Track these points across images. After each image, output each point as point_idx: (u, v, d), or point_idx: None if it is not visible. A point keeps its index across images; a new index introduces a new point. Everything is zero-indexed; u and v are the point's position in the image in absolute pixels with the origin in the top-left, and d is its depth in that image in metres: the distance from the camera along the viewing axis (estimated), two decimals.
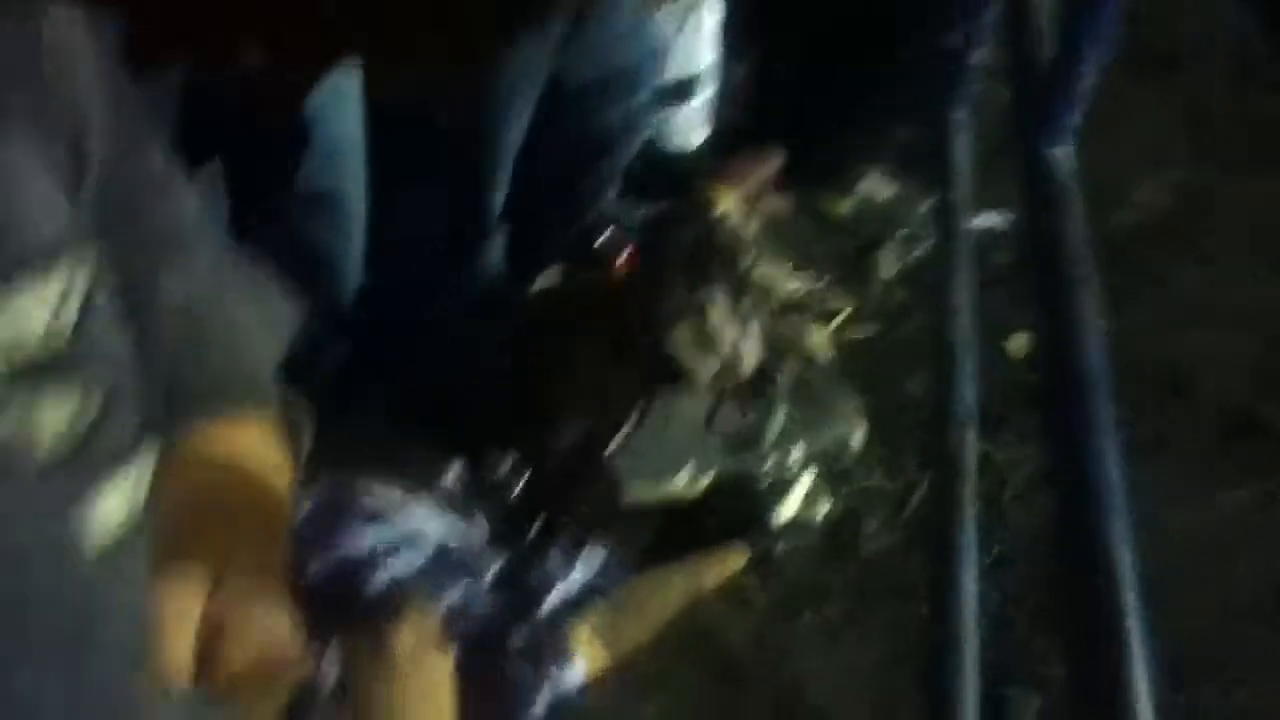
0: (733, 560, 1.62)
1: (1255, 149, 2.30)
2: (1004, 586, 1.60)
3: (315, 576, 1.29)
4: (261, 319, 0.66)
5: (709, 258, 1.70)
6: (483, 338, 1.68)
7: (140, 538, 0.48)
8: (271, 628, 0.57)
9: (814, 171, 2.19)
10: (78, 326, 0.45)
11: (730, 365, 1.67)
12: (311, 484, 1.40)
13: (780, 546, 1.66)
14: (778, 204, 2.05)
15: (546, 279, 1.82)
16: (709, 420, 1.65)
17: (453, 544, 1.45)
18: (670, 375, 1.63)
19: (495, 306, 1.75)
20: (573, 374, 1.60)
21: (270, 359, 0.65)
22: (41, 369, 0.43)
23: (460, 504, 1.51)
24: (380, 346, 1.67)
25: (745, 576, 1.67)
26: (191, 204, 0.63)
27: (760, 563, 1.67)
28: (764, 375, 1.69)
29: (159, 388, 0.53)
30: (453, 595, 1.35)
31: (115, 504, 0.46)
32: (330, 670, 1.21)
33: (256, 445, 0.62)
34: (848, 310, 2.01)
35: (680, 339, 1.64)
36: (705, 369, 1.65)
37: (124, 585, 0.45)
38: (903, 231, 2.16)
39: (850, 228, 2.17)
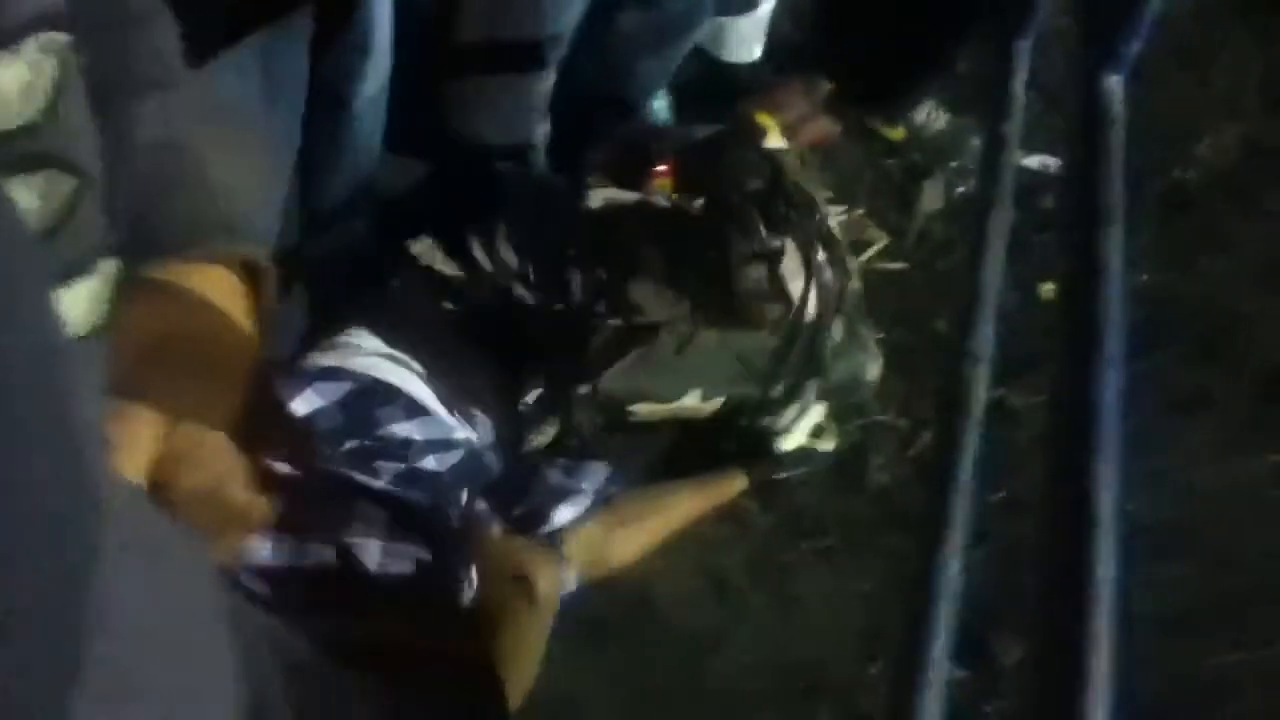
0: (734, 484, 1.61)
1: None
2: (1010, 529, 1.58)
3: (345, 459, 1.31)
4: (239, 164, 0.64)
5: (783, 206, 1.66)
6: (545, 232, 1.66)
7: (97, 358, 0.46)
8: (223, 473, 0.57)
9: (868, 95, 2.13)
10: (49, 110, 0.43)
11: (793, 312, 1.64)
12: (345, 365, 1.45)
13: (784, 474, 1.64)
14: (829, 128, 1.99)
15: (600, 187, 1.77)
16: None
17: (483, 448, 1.46)
18: (729, 311, 1.60)
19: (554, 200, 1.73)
20: (625, 287, 1.57)
21: (246, 204, 0.64)
22: (8, 149, 0.41)
23: (490, 407, 1.51)
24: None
25: (748, 500, 1.67)
26: (172, 42, 0.61)
27: (763, 488, 1.66)
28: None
29: (125, 216, 0.51)
30: (479, 500, 1.36)
31: (75, 314, 0.45)
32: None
33: (224, 288, 0.61)
34: (884, 241, 1.97)
35: (748, 282, 1.60)
36: (769, 314, 1.62)
37: (91, 382, 0.44)
38: (953, 164, 2.11)
39: (899, 156, 2.11)
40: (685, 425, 1.68)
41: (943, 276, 1.84)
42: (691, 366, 1.60)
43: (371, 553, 1.17)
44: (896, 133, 2.13)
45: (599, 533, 1.42)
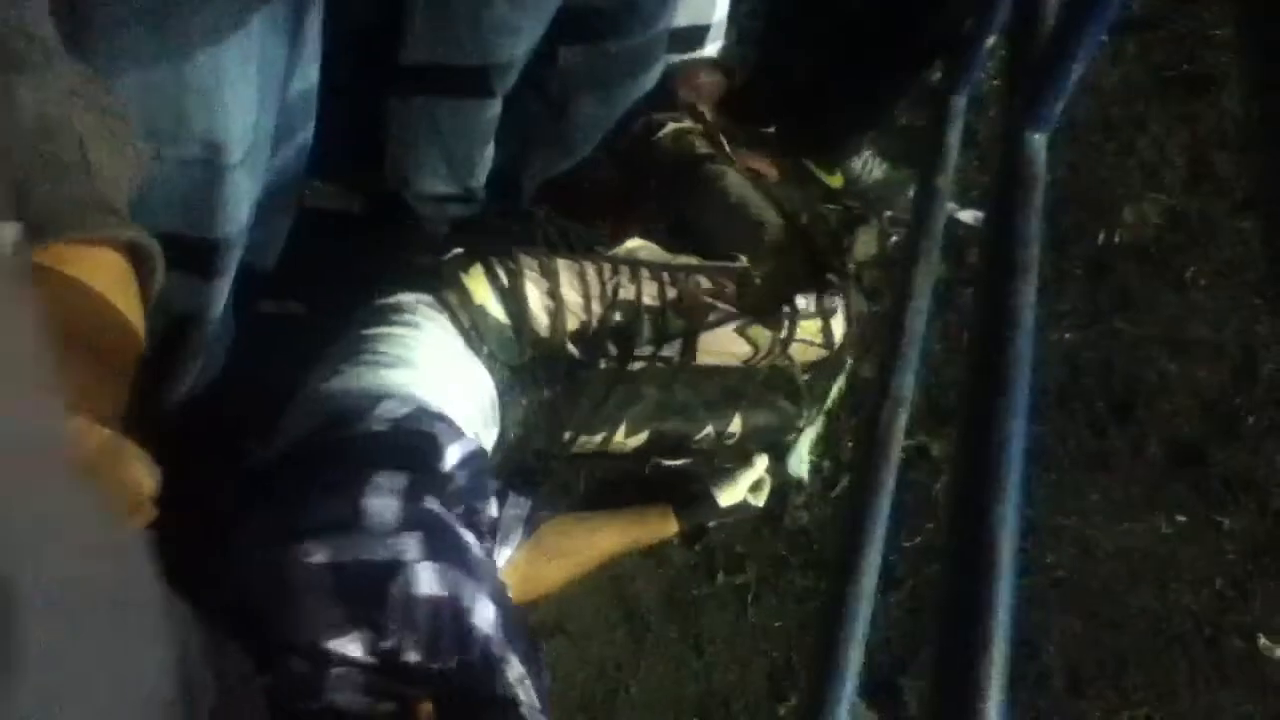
0: (664, 527, 1.60)
1: (1254, 186, 2.29)
2: (924, 574, 1.60)
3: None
4: (120, 147, 0.63)
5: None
6: None
7: None
8: (124, 466, 0.55)
9: (808, 141, 2.16)
10: None
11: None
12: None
13: (714, 523, 1.65)
14: (767, 168, 2.02)
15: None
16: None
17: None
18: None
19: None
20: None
21: (123, 187, 0.63)
22: None
23: None
24: None
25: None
26: (46, 23, 0.61)
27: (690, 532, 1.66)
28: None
29: (10, 193, 0.50)
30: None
31: None
32: None
33: (110, 271, 0.60)
34: None
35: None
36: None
37: None
38: (888, 213, 2.14)
39: (837, 203, 2.15)
40: (619, 462, 1.68)
41: (873, 323, 1.87)
42: (616, 400, 1.61)
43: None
44: (835, 179, 2.17)
45: (524, 563, 1.40)
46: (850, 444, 1.75)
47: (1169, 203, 2.23)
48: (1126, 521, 1.80)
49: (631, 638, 1.57)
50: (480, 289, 1.47)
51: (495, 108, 1.67)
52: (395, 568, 1.05)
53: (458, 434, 1.27)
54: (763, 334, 1.60)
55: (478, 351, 1.43)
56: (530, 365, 1.50)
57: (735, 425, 1.66)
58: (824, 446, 1.77)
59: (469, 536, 1.17)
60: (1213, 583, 1.76)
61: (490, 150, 1.74)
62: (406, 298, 1.44)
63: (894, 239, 2.08)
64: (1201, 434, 1.92)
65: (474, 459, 1.25)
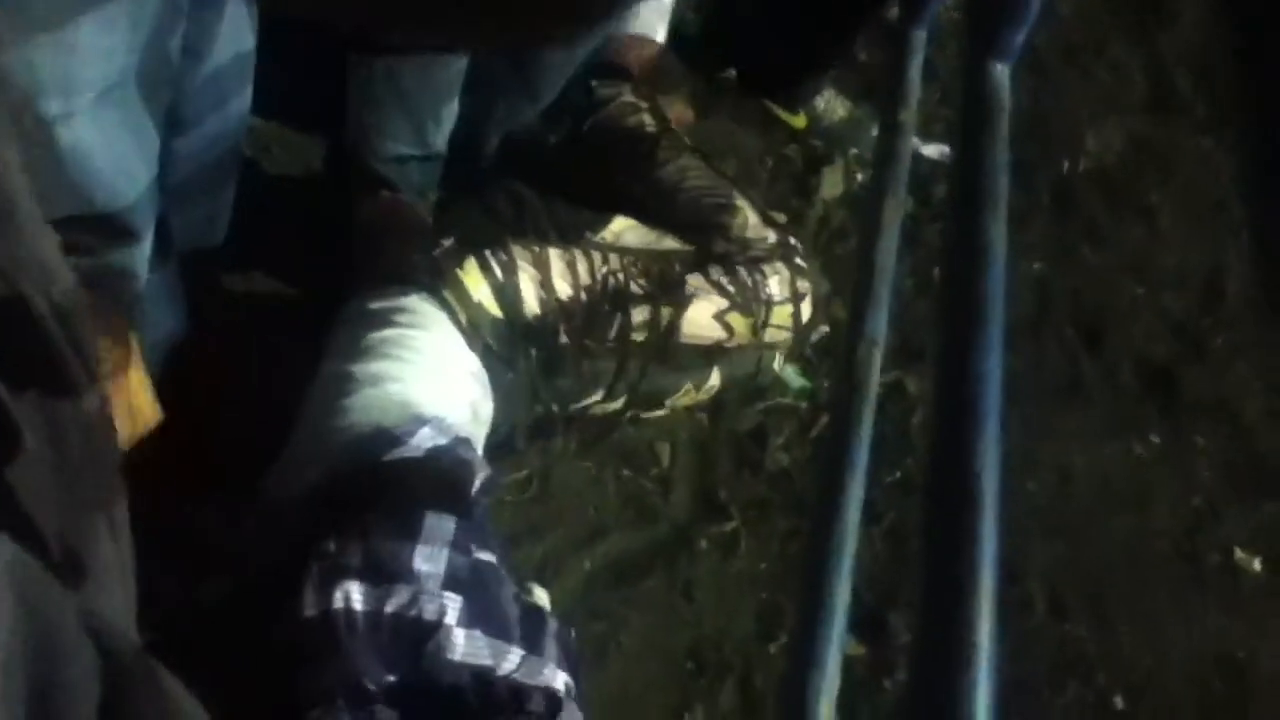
0: None
1: (1215, 107, 2.29)
2: (904, 509, 1.62)
3: None
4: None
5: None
6: None
7: None
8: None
9: (769, 83, 2.15)
10: None
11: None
12: None
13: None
14: (684, 113, 2.00)
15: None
16: None
17: None
18: None
19: None
20: None
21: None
22: None
23: None
24: None
25: (650, 485, 1.68)
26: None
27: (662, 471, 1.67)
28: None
29: None
30: None
31: None
32: None
33: None
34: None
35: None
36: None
37: None
38: (853, 152, 2.14)
39: (800, 144, 2.14)
40: None
41: (841, 262, 1.87)
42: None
43: None
44: (798, 120, 2.16)
45: None
46: (826, 384, 1.76)
47: (1131, 127, 2.23)
48: (1102, 446, 1.83)
49: (619, 590, 1.58)
50: (476, 284, 1.46)
51: (460, 63, 1.64)
52: (434, 628, 1.06)
53: (479, 460, 1.26)
54: (740, 320, 1.62)
55: (475, 348, 1.43)
56: (509, 347, 1.49)
57: (714, 379, 1.67)
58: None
59: (506, 590, 1.16)
60: (1189, 501, 1.79)
61: (455, 107, 1.72)
62: (404, 299, 1.42)
63: (860, 177, 2.08)
64: (1171, 356, 1.94)
65: (489, 483, 1.25)
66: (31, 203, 0.46)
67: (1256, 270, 2.06)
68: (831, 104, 2.17)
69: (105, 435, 0.52)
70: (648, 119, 1.80)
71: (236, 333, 1.55)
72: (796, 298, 1.65)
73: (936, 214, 1.95)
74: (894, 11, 1.92)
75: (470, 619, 1.08)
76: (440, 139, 1.71)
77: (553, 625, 1.13)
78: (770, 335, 1.66)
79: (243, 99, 1.35)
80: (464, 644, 1.07)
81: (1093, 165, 2.18)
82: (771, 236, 1.69)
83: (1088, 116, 2.21)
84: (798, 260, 1.68)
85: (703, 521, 1.66)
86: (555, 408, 1.54)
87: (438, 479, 1.18)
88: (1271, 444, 1.86)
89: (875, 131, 2.11)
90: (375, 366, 1.29)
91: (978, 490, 0.70)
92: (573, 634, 1.17)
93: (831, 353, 1.76)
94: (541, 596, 1.35)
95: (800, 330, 1.68)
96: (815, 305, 1.68)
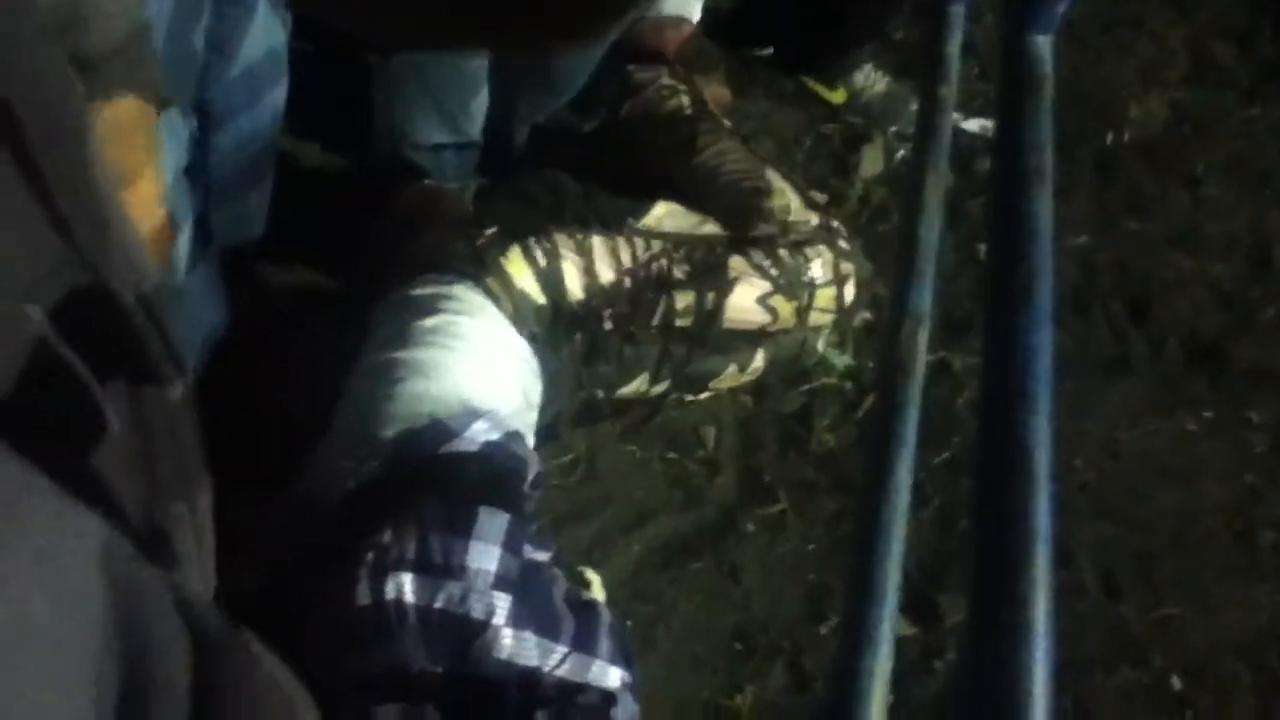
0: None
1: (1257, 77, 2.25)
2: (953, 489, 1.61)
3: None
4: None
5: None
6: None
7: None
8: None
9: (806, 60, 2.13)
10: None
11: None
12: None
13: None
14: (720, 93, 1.99)
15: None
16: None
17: None
18: None
19: None
20: None
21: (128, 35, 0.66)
22: None
23: None
24: None
25: (695, 467, 1.68)
26: None
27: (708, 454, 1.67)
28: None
29: None
30: None
31: None
32: None
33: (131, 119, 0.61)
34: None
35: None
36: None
37: None
38: (892, 129, 2.12)
39: (839, 121, 2.12)
40: None
41: (883, 240, 1.86)
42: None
43: None
44: (836, 95, 2.14)
45: None
46: (871, 364, 1.75)
47: (1174, 97, 2.19)
48: (1151, 422, 1.80)
49: (667, 572, 1.59)
50: (520, 272, 1.46)
51: (481, 55, 1.64)
52: (482, 627, 1.06)
53: (532, 455, 1.26)
54: (784, 304, 1.61)
55: (522, 334, 1.42)
56: (553, 335, 1.49)
57: (758, 361, 1.66)
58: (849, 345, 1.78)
59: (557, 589, 1.16)
60: (1240, 477, 1.77)
61: (484, 98, 1.72)
62: (449, 287, 1.41)
63: (900, 154, 2.06)
64: (1220, 329, 1.91)
65: (540, 478, 1.25)
66: (116, 201, 0.47)
67: None
68: (871, 79, 2.15)
69: (189, 425, 0.53)
70: (685, 101, 1.80)
71: (277, 325, 1.56)
72: (840, 280, 1.64)
73: (978, 189, 1.93)
74: None
75: (519, 619, 1.08)
76: (472, 127, 1.72)
77: (605, 620, 1.13)
78: (814, 319, 1.65)
79: (276, 94, 1.37)
80: (511, 644, 1.07)
81: (1136, 136, 2.15)
82: (813, 219, 1.68)
83: (1129, 88, 2.18)
84: (840, 243, 1.66)
85: (749, 503, 1.66)
86: (600, 393, 1.54)
87: (492, 475, 1.18)
88: None
89: (914, 108, 2.10)
90: (424, 355, 1.29)
91: (1029, 465, 0.69)
92: (627, 625, 1.17)
93: (876, 332, 1.75)
94: (594, 580, 1.35)
95: (844, 313, 1.67)
96: (859, 287, 1.67)
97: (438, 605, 1.06)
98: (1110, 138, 2.13)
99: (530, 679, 1.06)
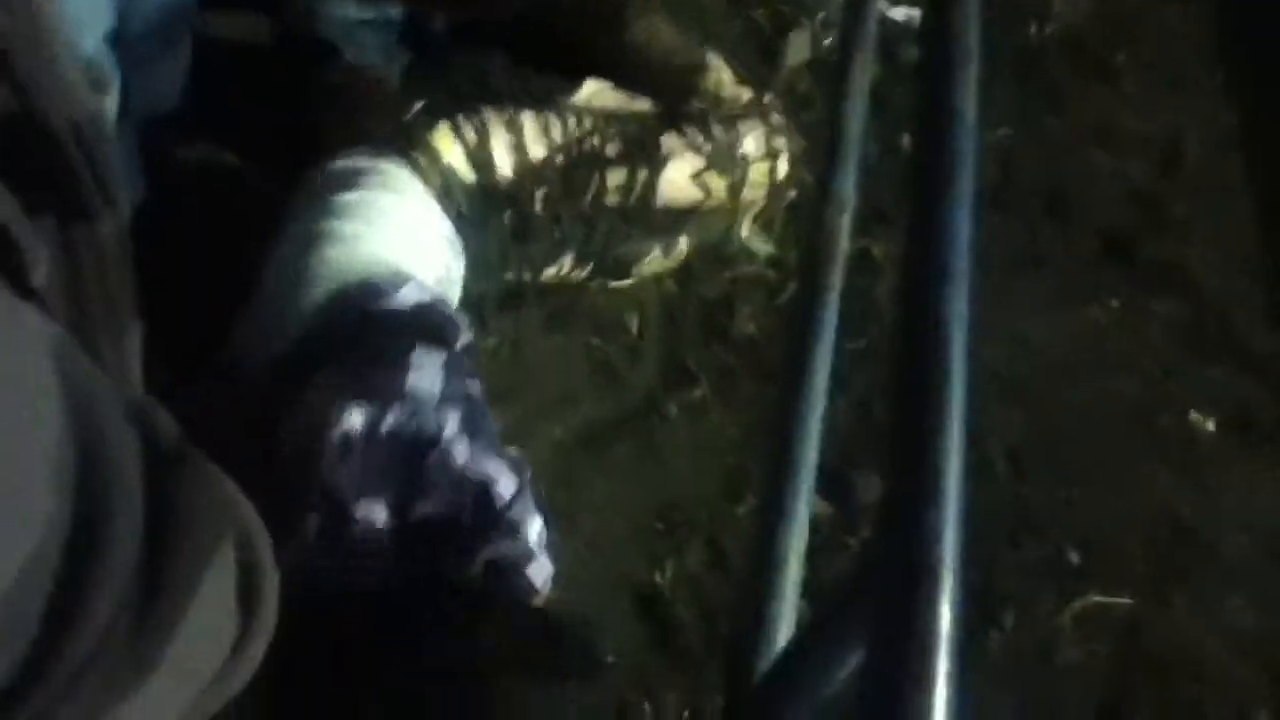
0: None
1: None
2: (871, 376, 1.65)
3: None
4: None
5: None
6: None
7: None
8: None
9: None
10: None
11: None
12: None
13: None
14: None
15: None
16: None
17: None
18: None
19: None
20: None
21: None
22: None
23: None
24: None
25: (616, 353, 1.69)
26: None
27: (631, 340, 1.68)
28: None
29: None
30: None
31: None
32: None
33: None
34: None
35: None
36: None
37: None
38: (820, 16, 2.11)
39: (766, 7, 2.10)
40: None
41: (808, 128, 1.86)
42: None
43: None
44: None
45: None
46: (793, 251, 1.77)
47: None
48: (1060, 313, 1.85)
49: (588, 455, 1.61)
50: (448, 148, 1.42)
51: None
52: (434, 440, 1.05)
53: (462, 317, 1.24)
54: (717, 180, 1.60)
55: (449, 212, 1.40)
56: (482, 213, 1.47)
57: (682, 245, 1.67)
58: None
59: (493, 424, 1.16)
60: (1145, 366, 1.83)
61: None
62: (372, 161, 1.37)
63: (827, 42, 2.05)
64: (1131, 223, 1.96)
65: (474, 346, 1.24)
66: (64, 31, 0.45)
67: (1217, 138, 2.07)
68: None
69: (119, 262, 0.52)
70: None
71: (192, 201, 1.52)
72: (773, 155, 1.64)
73: (904, 78, 1.93)
74: None
75: (471, 431, 1.08)
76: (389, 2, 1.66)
77: (529, 472, 1.15)
78: (747, 195, 1.64)
79: None
80: (467, 453, 1.07)
81: (1058, 29, 2.16)
82: (746, 94, 1.67)
83: None
84: (774, 117, 1.66)
85: (671, 388, 1.68)
86: (527, 275, 1.54)
87: (426, 328, 1.18)
88: (1225, 309, 1.89)
89: None
90: (348, 226, 1.27)
91: (947, 339, 0.71)
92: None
93: (800, 219, 1.77)
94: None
95: (775, 189, 1.67)
96: (791, 163, 1.66)
97: (385, 429, 1.05)
98: (1034, 31, 2.14)
99: (485, 499, 1.06)
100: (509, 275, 1.53)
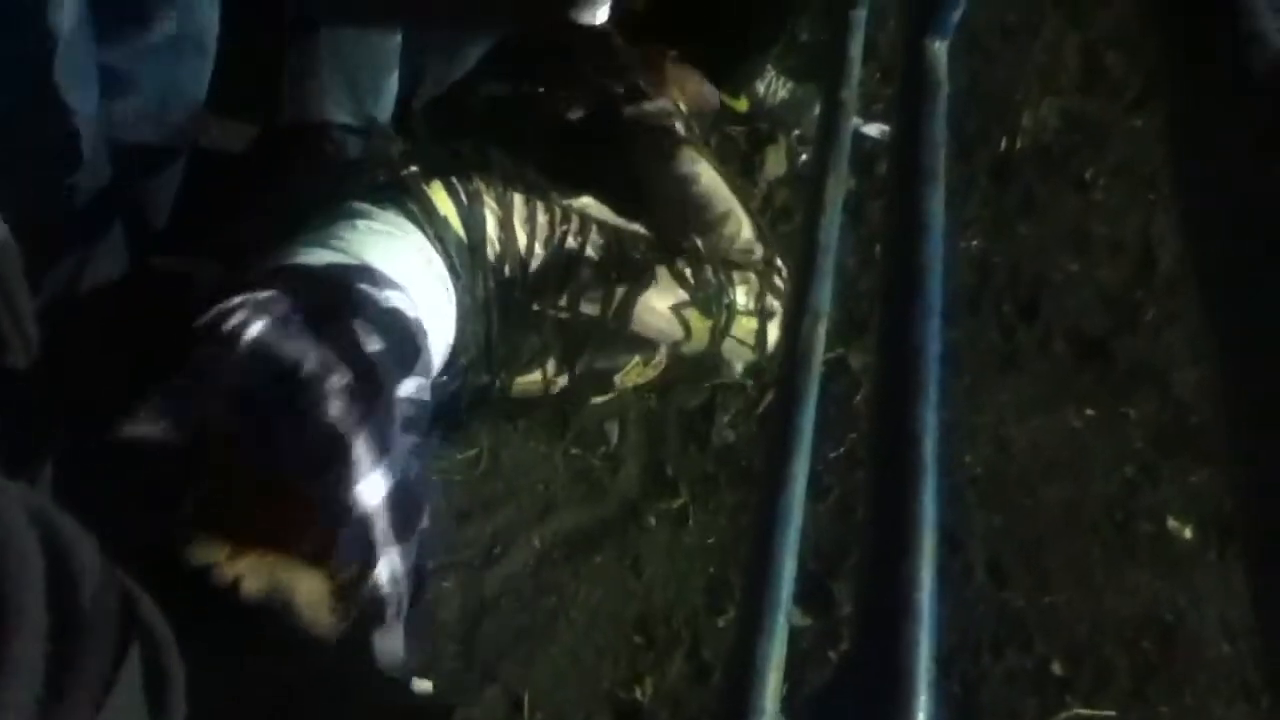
0: None
1: (1144, 87, 2.34)
2: (850, 483, 1.65)
3: None
4: None
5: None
6: None
7: None
8: None
9: (710, 66, 2.16)
10: None
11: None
12: None
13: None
14: (702, 93, 1.98)
15: None
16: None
17: None
18: None
19: None
20: None
21: None
22: None
23: None
24: None
25: (599, 463, 1.69)
26: None
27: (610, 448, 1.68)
28: None
29: None
30: None
31: None
32: None
33: None
34: None
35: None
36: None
37: None
38: (796, 132, 2.16)
39: (744, 124, 2.15)
40: None
41: (786, 240, 1.89)
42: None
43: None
44: (740, 104, 2.17)
45: None
46: (770, 362, 1.78)
47: (1065, 104, 2.27)
48: (1038, 417, 1.87)
49: (569, 565, 1.60)
50: (443, 202, 1.43)
51: (398, 36, 1.63)
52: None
53: (428, 355, 1.26)
54: (699, 319, 1.56)
55: (445, 264, 1.40)
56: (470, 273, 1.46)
57: (661, 355, 1.66)
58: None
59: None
60: (1122, 470, 1.84)
61: (395, 80, 1.69)
62: (370, 207, 1.38)
63: (803, 156, 2.10)
64: (1105, 328, 1.99)
65: (432, 390, 1.25)
66: None
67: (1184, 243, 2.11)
68: (774, 85, 2.18)
69: (32, 398, 0.52)
70: (679, 125, 1.75)
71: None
72: (764, 315, 1.59)
73: (879, 191, 1.98)
74: None
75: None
76: (381, 110, 1.69)
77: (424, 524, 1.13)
78: (729, 348, 1.60)
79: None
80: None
81: (1029, 142, 2.22)
82: (758, 252, 1.64)
83: (1024, 94, 2.25)
84: (776, 280, 1.62)
85: (651, 497, 1.68)
86: (502, 376, 1.52)
87: (394, 333, 1.19)
88: (1201, 414, 1.91)
89: (818, 111, 2.14)
90: (354, 246, 1.30)
91: (917, 452, 0.72)
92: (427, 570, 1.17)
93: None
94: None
95: (761, 349, 1.62)
96: (783, 330, 1.63)
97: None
98: (1005, 142, 2.20)
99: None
100: (485, 378, 1.52)
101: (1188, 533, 1.78)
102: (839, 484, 1.64)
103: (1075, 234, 2.11)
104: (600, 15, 2.06)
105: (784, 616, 1.09)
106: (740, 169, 2.09)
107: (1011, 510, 1.75)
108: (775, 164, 2.11)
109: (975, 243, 2.04)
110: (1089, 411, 1.88)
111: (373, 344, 1.13)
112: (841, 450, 1.65)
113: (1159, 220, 2.16)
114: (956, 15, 1.04)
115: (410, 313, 1.23)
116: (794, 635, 1.07)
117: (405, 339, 1.19)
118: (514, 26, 1.75)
